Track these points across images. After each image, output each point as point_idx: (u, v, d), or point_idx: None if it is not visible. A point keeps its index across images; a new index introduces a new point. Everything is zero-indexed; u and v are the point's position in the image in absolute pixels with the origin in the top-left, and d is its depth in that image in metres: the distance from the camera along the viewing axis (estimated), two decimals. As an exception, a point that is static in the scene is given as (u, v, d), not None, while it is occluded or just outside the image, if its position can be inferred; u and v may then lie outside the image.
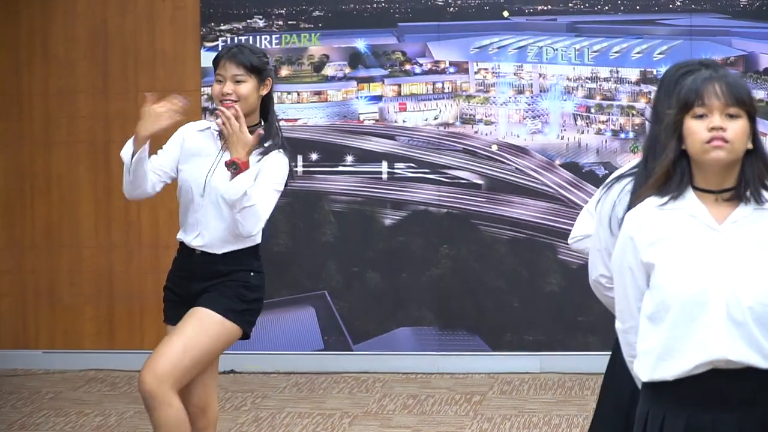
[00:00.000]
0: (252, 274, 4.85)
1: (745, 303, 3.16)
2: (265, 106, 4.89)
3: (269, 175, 4.77)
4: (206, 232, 4.81)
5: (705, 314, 3.17)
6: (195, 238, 4.83)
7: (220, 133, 4.85)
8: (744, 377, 3.16)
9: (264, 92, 4.84)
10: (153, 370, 4.67)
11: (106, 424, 6.85)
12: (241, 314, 4.81)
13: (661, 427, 3.23)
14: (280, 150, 4.82)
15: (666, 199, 3.27)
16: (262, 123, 4.87)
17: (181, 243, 4.91)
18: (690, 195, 3.26)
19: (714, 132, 3.16)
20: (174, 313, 4.91)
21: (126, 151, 4.75)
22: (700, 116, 3.19)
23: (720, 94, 3.18)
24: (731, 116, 3.18)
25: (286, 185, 4.86)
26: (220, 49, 7.86)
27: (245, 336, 4.88)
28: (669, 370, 3.20)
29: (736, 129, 3.18)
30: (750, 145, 3.22)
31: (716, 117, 3.17)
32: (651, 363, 3.23)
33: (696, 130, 3.19)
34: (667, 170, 3.27)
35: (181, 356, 4.70)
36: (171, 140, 4.94)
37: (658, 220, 3.27)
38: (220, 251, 4.80)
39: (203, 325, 4.73)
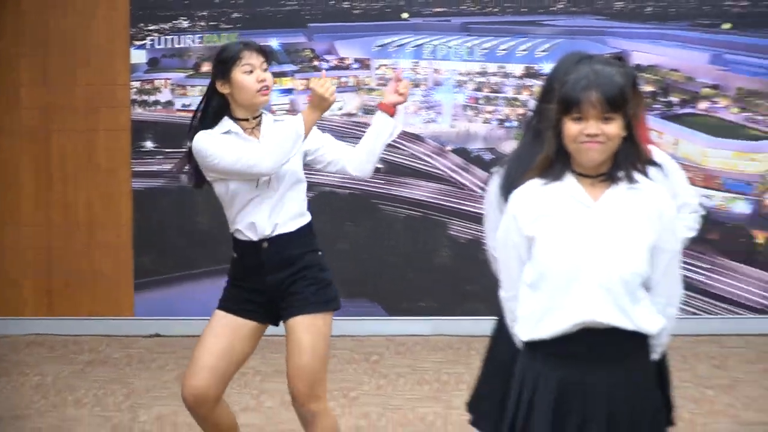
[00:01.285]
0: (320, 253, 4.61)
1: (615, 272, 3.28)
2: None
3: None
4: (280, 215, 4.53)
5: (579, 282, 3.29)
6: (271, 227, 4.51)
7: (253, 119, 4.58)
8: (612, 338, 3.30)
9: None
10: (299, 389, 4.50)
11: (44, 383, 6.93)
12: (333, 300, 4.60)
13: (536, 381, 3.38)
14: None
15: (547, 180, 3.37)
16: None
17: (243, 243, 4.57)
18: (569, 177, 3.35)
19: (589, 138, 3.26)
20: (236, 306, 4.60)
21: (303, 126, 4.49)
22: (578, 118, 3.27)
23: (596, 103, 3.23)
24: (607, 118, 3.25)
25: None
26: (148, 47, 8.04)
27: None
28: (546, 330, 3.35)
29: (611, 131, 3.25)
30: (624, 133, 3.30)
31: (592, 124, 3.24)
32: (530, 325, 3.39)
33: (573, 132, 3.27)
34: (549, 159, 3.37)
35: (311, 366, 4.49)
36: (217, 143, 4.49)
37: (539, 198, 3.36)
38: (294, 228, 4.54)
39: (312, 332, 4.49)
